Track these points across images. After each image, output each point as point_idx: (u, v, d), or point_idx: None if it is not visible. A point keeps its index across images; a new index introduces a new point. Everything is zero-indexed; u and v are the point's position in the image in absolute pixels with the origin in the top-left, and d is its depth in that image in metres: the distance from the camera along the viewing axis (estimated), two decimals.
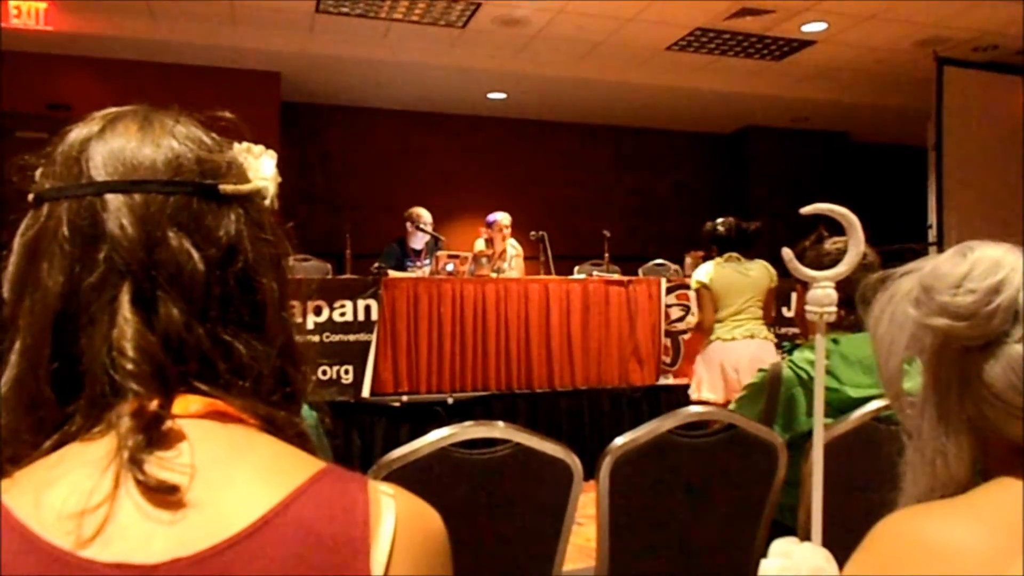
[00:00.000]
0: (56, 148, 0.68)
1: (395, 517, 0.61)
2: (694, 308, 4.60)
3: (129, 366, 0.60)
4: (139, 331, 0.61)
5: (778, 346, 4.32)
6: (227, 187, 0.68)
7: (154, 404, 0.60)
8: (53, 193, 0.65)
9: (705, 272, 4.37)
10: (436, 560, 0.63)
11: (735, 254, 4.36)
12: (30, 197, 0.67)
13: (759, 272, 4.37)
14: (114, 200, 0.64)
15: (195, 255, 0.64)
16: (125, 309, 0.62)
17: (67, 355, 0.62)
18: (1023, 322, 0.77)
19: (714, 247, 4.45)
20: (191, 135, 0.69)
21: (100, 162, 0.66)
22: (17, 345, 0.64)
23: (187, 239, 0.64)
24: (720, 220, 4.48)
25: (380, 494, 0.62)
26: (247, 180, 0.71)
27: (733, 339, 4.25)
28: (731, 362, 4.21)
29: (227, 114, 0.75)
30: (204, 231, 0.65)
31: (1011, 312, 0.78)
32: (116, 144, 0.67)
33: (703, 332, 4.56)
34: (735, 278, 4.31)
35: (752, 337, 4.27)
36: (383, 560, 0.59)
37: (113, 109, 0.71)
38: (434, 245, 6.02)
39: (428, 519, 0.64)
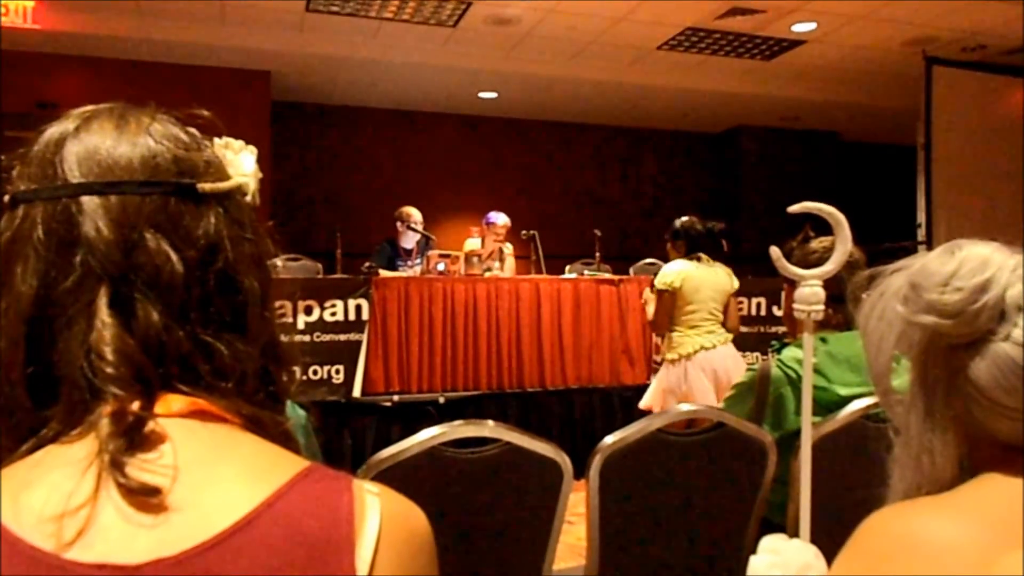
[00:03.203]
0: (32, 148, 0.67)
1: (380, 516, 0.61)
2: (650, 303, 4.32)
3: (108, 369, 0.59)
4: (117, 334, 0.60)
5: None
6: (205, 186, 0.67)
7: (135, 406, 0.59)
8: (28, 195, 0.64)
9: (676, 272, 4.08)
10: (421, 559, 0.63)
11: (703, 255, 4.16)
12: (6, 199, 0.65)
13: (722, 276, 4.19)
14: (89, 202, 0.63)
15: (173, 256, 0.63)
16: (103, 312, 0.61)
17: (43, 359, 0.62)
18: (1010, 320, 0.78)
19: (681, 242, 4.20)
20: (168, 133, 0.68)
21: (75, 162, 0.65)
22: None
23: (165, 240, 0.63)
24: (688, 218, 4.24)
25: (365, 493, 0.62)
26: (227, 177, 0.70)
27: (714, 346, 4.05)
28: (722, 371, 4.02)
29: (204, 112, 0.73)
30: (182, 231, 0.64)
31: (997, 310, 0.78)
32: (91, 143, 0.66)
33: (656, 331, 4.32)
34: (705, 279, 4.10)
35: (725, 344, 4.12)
36: (368, 559, 0.59)
37: (89, 107, 0.69)
38: (425, 244, 6.02)
39: (413, 518, 0.64)
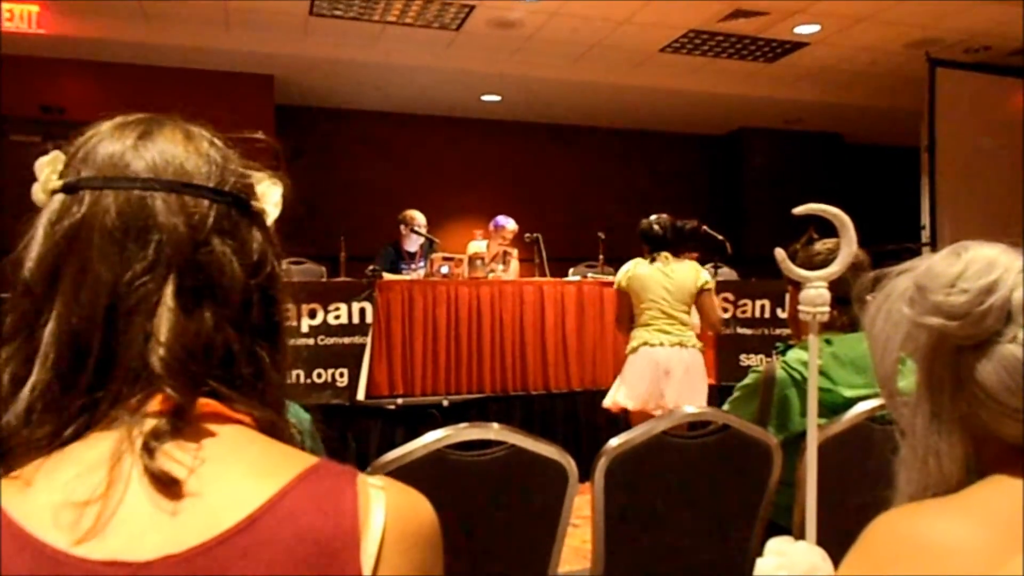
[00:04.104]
0: (87, 141, 0.69)
1: (385, 510, 0.62)
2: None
3: (163, 352, 0.62)
4: (179, 323, 0.63)
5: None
6: (257, 204, 0.71)
7: (177, 398, 0.61)
8: (98, 183, 0.66)
9: (624, 272, 4.21)
10: (427, 551, 0.64)
11: (664, 254, 4.15)
12: (58, 183, 0.67)
13: (685, 274, 4.13)
14: (164, 197, 0.66)
15: (235, 262, 0.67)
16: (168, 300, 0.63)
17: (108, 343, 0.63)
18: (1016, 322, 0.78)
19: (645, 244, 4.23)
20: (227, 153, 0.72)
21: (150, 159, 0.67)
22: (52, 329, 0.63)
23: (228, 246, 0.67)
24: (655, 217, 4.26)
25: (369, 487, 0.63)
26: (259, 200, 0.74)
27: (662, 344, 4.05)
28: (663, 369, 4.03)
29: (260, 135, 0.78)
30: (241, 241, 0.68)
31: (1004, 312, 0.78)
32: (165, 148, 0.69)
33: (617, 329, 4.47)
34: (657, 279, 4.10)
35: (683, 346, 4.08)
36: (373, 553, 0.60)
37: (142, 115, 0.72)
38: (429, 247, 6.02)
39: (418, 510, 0.65)
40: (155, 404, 0.61)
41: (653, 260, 4.17)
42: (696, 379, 4.13)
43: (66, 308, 0.64)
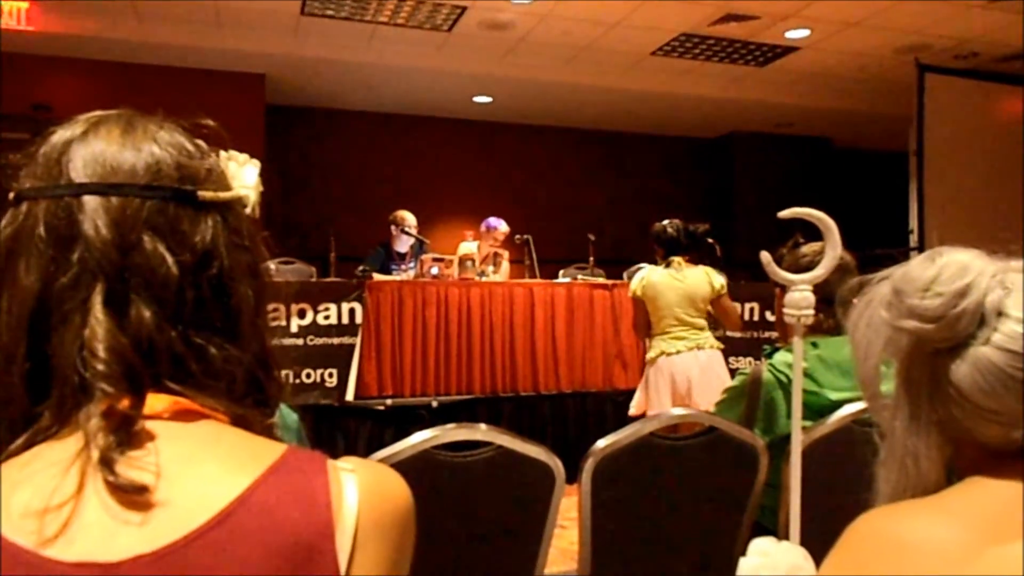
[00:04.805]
0: (39, 148, 0.69)
1: (358, 495, 0.62)
2: None
3: (100, 367, 0.60)
4: (110, 332, 0.61)
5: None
6: (206, 194, 0.68)
7: (124, 404, 0.60)
8: (32, 192, 0.66)
9: (638, 281, 4.17)
10: (401, 531, 0.64)
11: (677, 259, 4.11)
12: (11, 196, 0.67)
13: (697, 279, 4.11)
14: (91, 202, 0.65)
15: (169, 259, 0.65)
16: (97, 310, 0.62)
17: (38, 354, 0.63)
18: (989, 325, 0.79)
19: (659, 248, 4.19)
20: (173, 141, 0.70)
21: (80, 164, 0.66)
22: None
23: (162, 243, 0.65)
24: (668, 221, 4.21)
25: (340, 472, 0.63)
26: (228, 187, 0.71)
27: (679, 352, 4.04)
28: (682, 376, 4.02)
29: (209, 122, 0.75)
30: (179, 236, 0.66)
31: (977, 315, 0.80)
32: (97, 147, 0.67)
33: (636, 336, 4.45)
34: (670, 285, 4.07)
35: (700, 349, 4.06)
36: (348, 541, 0.60)
37: (98, 112, 0.71)
38: (419, 248, 6.02)
39: (392, 491, 0.65)
40: (103, 414, 0.59)
41: (668, 265, 4.13)
42: (713, 380, 4.06)
43: (0, 321, 0.64)
